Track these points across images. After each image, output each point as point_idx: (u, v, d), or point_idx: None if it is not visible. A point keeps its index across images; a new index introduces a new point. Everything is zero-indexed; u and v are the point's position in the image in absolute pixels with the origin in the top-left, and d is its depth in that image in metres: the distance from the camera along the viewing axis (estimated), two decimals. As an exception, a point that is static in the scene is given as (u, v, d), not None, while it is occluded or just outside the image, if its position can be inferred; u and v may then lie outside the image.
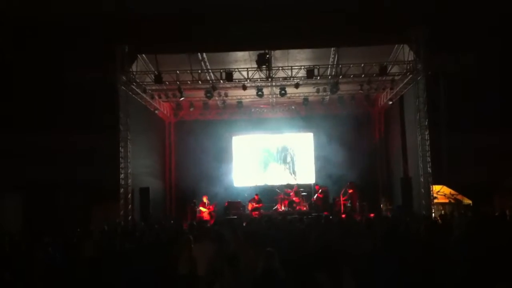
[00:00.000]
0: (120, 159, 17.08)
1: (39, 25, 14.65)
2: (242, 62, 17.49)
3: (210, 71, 17.76)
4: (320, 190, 20.95)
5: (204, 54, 17.10)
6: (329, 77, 17.50)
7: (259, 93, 18.21)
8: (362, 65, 16.84)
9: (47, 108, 17.18)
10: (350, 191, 20.22)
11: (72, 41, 15.35)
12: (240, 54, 17.25)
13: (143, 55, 17.21)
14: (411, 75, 16.97)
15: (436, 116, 17.27)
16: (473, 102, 16.83)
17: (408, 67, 16.77)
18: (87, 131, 17.29)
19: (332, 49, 17.12)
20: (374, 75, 17.03)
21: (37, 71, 16.13)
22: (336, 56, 17.21)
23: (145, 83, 17.50)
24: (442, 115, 17.73)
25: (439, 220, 11.25)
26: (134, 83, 17.18)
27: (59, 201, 17.21)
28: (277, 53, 17.17)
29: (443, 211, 16.59)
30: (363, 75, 17.07)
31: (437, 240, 7.44)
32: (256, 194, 20.59)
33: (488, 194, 17.31)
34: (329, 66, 17.48)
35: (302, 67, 17.03)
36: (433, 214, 15.74)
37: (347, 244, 7.56)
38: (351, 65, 16.89)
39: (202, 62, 17.38)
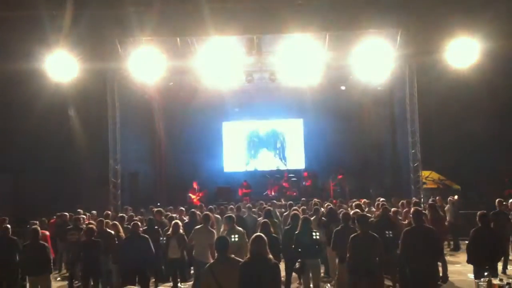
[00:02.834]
0: (109, 144, 16.99)
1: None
2: (233, 46, 17.30)
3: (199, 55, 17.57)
4: (309, 179, 21.04)
5: (193, 39, 16.91)
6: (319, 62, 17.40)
7: (249, 78, 18.11)
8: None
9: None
10: (340, 176, 20.29)
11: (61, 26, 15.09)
12: (230, 39, 17.06)
13: (131, 39, 16.96)
14: (401, 61, 16.93)
15: (425, 102, 17.33)
16: (461, 88, 16.91)
17: (399, 53, 16.71)
18: (76, 115, 17.18)
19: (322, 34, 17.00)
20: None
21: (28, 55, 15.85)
22: (327, 41, 17.10)
23: (133, 67, 17.29)
24: (431, 101, 17.80)
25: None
26: (123, 67, 16.98)
27: (47, 185, 17.10)
28: (266, 38, 17.04)
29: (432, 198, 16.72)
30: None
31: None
32: (245, 181, 20.66)
33: (475, 180, 17.52)
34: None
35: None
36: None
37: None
38: (341, 50, 16.79)
39: (191, 47, 17.19)
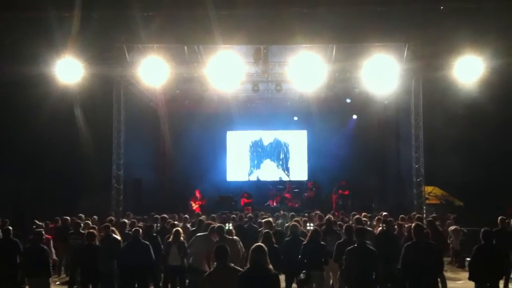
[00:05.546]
0: (113, 149, 17.01)
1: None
2: (240, 55, 17.35)
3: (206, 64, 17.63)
4: (313, 188, 20.99)
5: (201, 47, 16.97)
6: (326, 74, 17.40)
7: (255, 88, 18.12)
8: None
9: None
10: (346, 192, 20.25)
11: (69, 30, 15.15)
12: (237, 48, 17.11)
13: (139, 45, 17.03)
14: (408, 76, 16.91)
15: (430, 117, 17.29)
16: (467, 104, 16.90)
17: (405, 67, 16.70)
18: (81, 120, 17.21)
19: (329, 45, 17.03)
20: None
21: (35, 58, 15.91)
22: (334, 52, 17.12)
23: (139, 74, 17.34)
24: (436, 115, 17.76)
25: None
26: (129, 74, 17.02)
27: (50, 189, 17.09)
28: (273, 48, 17.08)
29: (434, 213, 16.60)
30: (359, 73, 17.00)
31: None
32: (245, 192, 20.68)
33: (479, 197, 17.39)
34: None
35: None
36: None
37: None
38: (348, 63, 16.80)
39: (198, 55, 17.24)
